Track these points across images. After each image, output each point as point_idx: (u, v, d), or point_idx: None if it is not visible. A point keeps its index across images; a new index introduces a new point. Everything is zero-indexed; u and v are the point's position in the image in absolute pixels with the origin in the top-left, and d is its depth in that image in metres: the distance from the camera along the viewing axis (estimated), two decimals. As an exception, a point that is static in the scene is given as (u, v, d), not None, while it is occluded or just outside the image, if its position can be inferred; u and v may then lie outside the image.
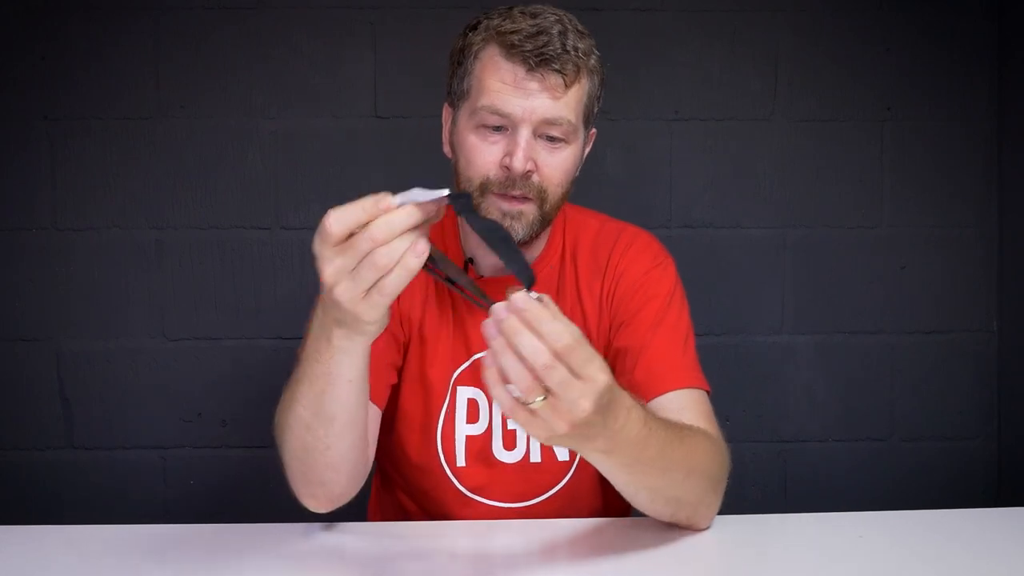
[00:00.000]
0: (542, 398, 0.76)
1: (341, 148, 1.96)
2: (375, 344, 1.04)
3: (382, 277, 0.81)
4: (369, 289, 0.82)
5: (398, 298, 1.19)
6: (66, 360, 1.95)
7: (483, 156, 1.10)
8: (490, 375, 0.78)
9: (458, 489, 1.20)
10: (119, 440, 1.97)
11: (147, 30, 1.93)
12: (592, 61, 1.12)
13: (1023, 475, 1.98)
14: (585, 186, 2.00)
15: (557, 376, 0.76)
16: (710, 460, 1.04)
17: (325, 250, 0.81)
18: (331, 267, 0.82)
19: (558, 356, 0.76)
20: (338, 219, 0.80)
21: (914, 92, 2.01)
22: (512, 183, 1.09)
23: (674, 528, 1.09)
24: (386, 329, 1.15)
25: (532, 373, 0.76)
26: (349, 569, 1.02)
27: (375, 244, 0.80)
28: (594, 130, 1.21)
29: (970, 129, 2.02)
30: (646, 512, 1.06)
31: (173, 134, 1.95)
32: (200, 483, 1.98)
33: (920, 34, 2.00)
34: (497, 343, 0.77)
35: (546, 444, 0.88)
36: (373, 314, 0.85)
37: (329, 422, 0.98)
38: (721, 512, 1.11)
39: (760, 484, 2.04)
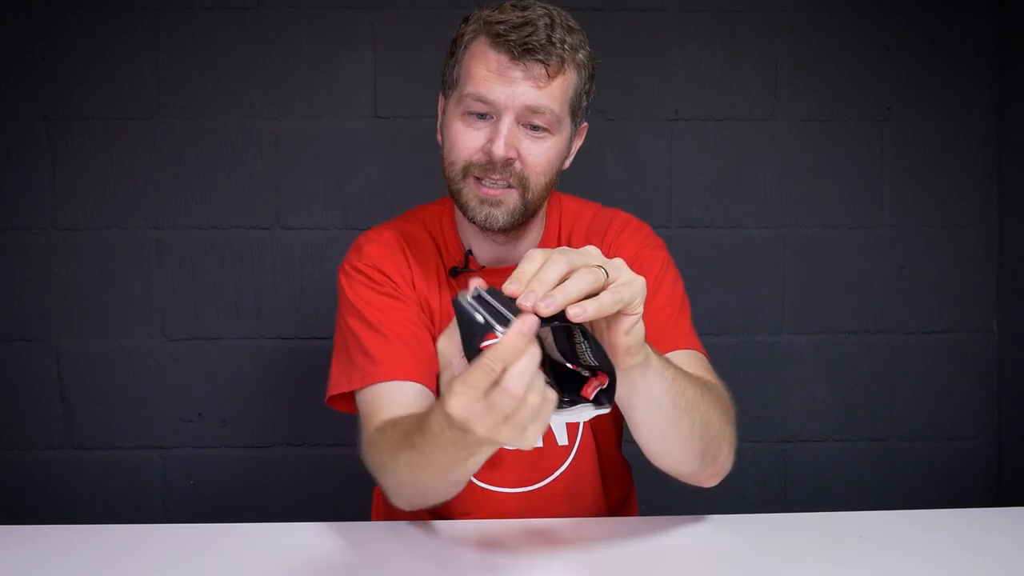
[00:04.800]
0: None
1: (341, 148, 1.96)
2: (421, 331, 1.15)
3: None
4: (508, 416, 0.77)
5: (414, 283, 1.22)
6: (66, 360, 1.95)
7: (466, 141, 1.13)
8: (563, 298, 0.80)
9: None
10: (119, 440, 1.97)
11: (147, 30, 1.93)
12: (580, 56, 1.14)
13: (1023, 475, 1.98)
14: (585, 186, 2.00)
15: (614, 265, 0.85)
16: (720, 394, 1.11)
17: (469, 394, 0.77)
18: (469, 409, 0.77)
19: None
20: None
21: (914, 92, 2.01)
22: (493, 168, 1.12)
23: (674, 527, 1.10)
24: (423, 323, 1.20)
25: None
26: (350, 569, 1.02)
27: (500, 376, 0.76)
28: (585, 124, 1.22)
29: (970, 129, 2.02)
30: (682, 443, 1.03)
31: (173, 134, 1.95)
32: (200, 483, 1.98)
33: (920, 34, 2.00)
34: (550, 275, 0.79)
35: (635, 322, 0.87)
36: (524, 442, 0.79)
37: (440, 477, 0.98)
38: (721, 512, 1.11)
39: (760, 484, 2.04)
